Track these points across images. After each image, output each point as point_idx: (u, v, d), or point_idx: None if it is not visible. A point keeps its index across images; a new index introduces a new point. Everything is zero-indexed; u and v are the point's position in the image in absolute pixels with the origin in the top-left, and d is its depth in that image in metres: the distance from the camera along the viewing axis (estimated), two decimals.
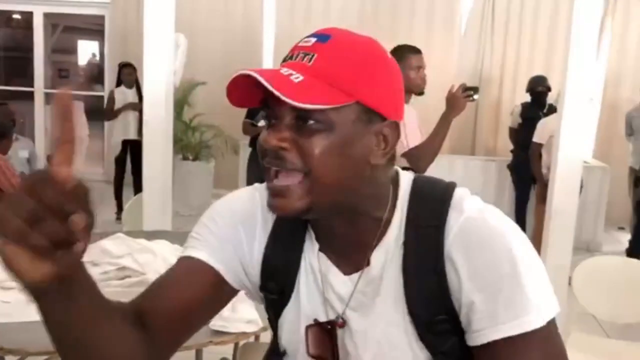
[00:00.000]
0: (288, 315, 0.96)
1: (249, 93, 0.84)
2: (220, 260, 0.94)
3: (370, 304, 0.90)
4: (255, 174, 5.66)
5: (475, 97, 3.03)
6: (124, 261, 2.15)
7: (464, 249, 0.83)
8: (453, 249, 0.84)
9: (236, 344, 2.52)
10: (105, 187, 6.96)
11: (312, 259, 0.94)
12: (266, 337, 2.64)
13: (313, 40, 0.84)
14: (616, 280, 2.93)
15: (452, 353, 0.87)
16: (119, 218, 6.10)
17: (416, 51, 3.17)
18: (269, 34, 7.44)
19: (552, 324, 0.82)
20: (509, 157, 6.13)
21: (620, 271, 2.98)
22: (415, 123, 3.03)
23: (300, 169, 0.82)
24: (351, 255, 0.91)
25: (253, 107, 0.87)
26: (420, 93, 3.19)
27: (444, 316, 0.85)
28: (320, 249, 0.93)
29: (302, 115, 0.81)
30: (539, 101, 5.66)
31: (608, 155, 6.77)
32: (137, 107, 6.17)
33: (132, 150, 6.30)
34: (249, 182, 5.71)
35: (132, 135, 6.29)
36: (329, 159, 0.81)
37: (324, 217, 0.89)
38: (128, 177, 6.35)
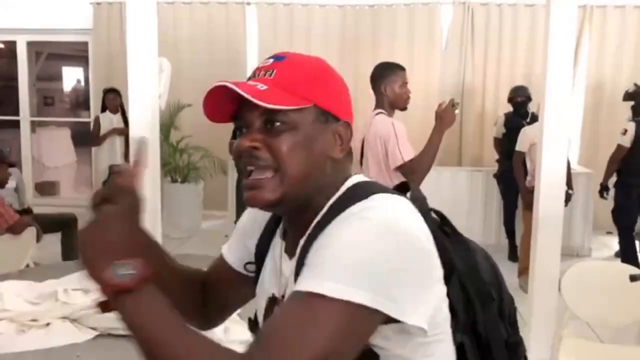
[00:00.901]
0: (257, 293, 1.12)
1: (223, 108, 0.98)
2: (233, 253, 1.18)
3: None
4: None
5: (456, 111, 3.19)
6: None
7: (337, 223, 0.91)
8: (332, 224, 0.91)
9: None
10: None
11: (276, 246, 1.09)
12: None
13: (271, 60, 1.00)
14: (605, 285, 2.96)
15: None
16: None
17: (401, 68, 3.31)
18: (252, 51, 7.49)
19: (345, 309, 0.81)
20: (495, 167, 6.18)
21: (609, 275, 3.01)
22: (406, 136, 3.12)
23: (272, 165, 0.95)
24: (296, 244, 1.00)
25: (227, 122, 1.00)
26: (404, 108, 3.32)
27: None
28: (284, 238, 1.07)
29: (269, 119, 0.94)
30: (520, 110, 5.73)
31: (593, 161, 6.84)
32: (123, 132, 6.19)
33: None
34: (240, 201, 5.73)
35: (119, 160, 6.29)
36: (296, 154, 0.94)
37: (288, 211, 1.01)
38: None
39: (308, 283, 0.83)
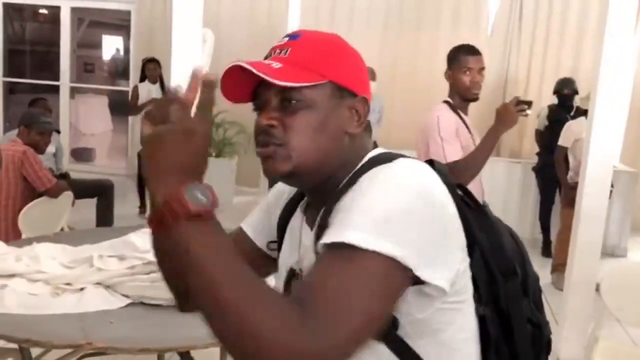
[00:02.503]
0: (279, 266, 1.14)
1: (242, 89, 0.99)
2: (259, 231, 1.18)
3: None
4: None
5: (529, 112, 2.75)
6: (150, 256, 2.14)
7: (359, 182, 0.91)
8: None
9: None
10: (129, 181, 7.01)
11: (296, 219, 1.10)
12: None
13: (286, 39, 1.00)
14: None
15: None
16: (142, 212, 6.13)
17: (468, 52, 2.87)
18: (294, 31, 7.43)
19: (382, 262, 0.81)
20: (534, 160, 6.05)
21: None
22: (453, 133, 2.72)
23: (285, 142, 0.95)
24: (317, 214, 1.01)
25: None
26: (472, 99, 2.87)
27: None
28: (304, 212, 1.09)
29: (286, 97, 0.95)
30: (565, 104, 5.60)
31: (636, 159, 6.65)
32: None
33: None
34: (271, 179, 5.71)
35: None
36: (311, 131, 0.96)
37: (308, 184, 1.02)
38: None
39: (336, 233, 0.83)
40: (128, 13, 8.02)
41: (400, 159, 0.94)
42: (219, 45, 7.77)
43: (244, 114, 6.84)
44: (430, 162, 1.03)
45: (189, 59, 3.35)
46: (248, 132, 6.82)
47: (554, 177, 5.26)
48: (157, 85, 6.33)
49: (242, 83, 0.97)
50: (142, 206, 6.21)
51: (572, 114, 5.46)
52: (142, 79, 6.42)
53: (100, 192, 5.05)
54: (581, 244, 3.48)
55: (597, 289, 2.94)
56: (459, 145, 2.70)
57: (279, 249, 1.14)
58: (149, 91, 6.30)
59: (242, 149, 6.94)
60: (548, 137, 5.59)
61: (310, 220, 1.06)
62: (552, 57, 6.94)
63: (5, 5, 8.29)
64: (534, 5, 6.96)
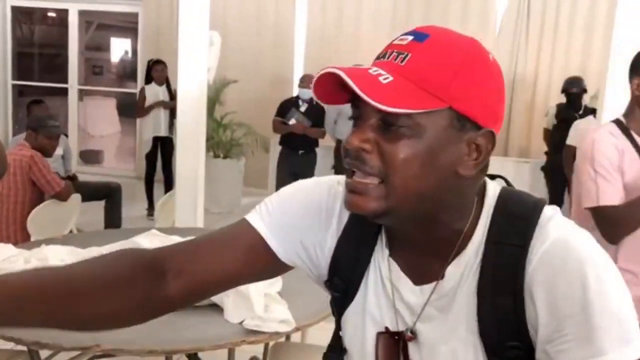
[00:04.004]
0: (351, 315, 0.93)
1: (336, 90, 0.80)
2: (277, 237, 0.93)
3: (441, 319, 0.85)
4: (286, 172, 5.65)
5: None
6: None
7: (545, 277, 0.77)
8: (535, 275, 0.78)
9: (267, 344, 2.51)
10: (137, 183, 7.03)
11: (382, 263, 0.90)
12: (297, 337, 2.63)
13: (409, 38, 0.80)
14: None
15: None
16: (150, 214, 6.14)
17: None
18: (300, 34, 7.43)
19: None
20: (542, 159, 6.02)
21: None
22: (614, 164, 1.90)
23: (380, 173, 0.78)
24: (424, 266, 0.86)
25: (331, 102, 0.83)
26: None
27: (515, 342, 0.80)
28: (391, 255, 0.89)
29: (388, 118, 0.77)
30: (574, 102, 5.57)
31: None
32: (168, 105, 6.21)
33: (163, 147, 6.35)
34: (279, 181, 5.72)
35: (163, 132, 6.34)
36: (413, 167, 0.77)
37: (400, 224, 0.85)
38: (159, 174, 6.40)
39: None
40: (135, 15, 8.04)
41: (557, 223, 0.80)
42: (225, 52, 7.85)
43: (252, 115, 6.89)
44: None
45: (196, 61, 3.36)
46: (256, 133, 6.83)
47: (563, 176, 5.22)
48: (164, 87, 6.34)
49: (341, 86, 0.78)
50: (150, 208, 6.22)
51: (580, 112, 5.43)
52: (148, 81, 6.44)
53: (108, 194, 5.07)
54: None
55: None
56: (620, 182, 1.90)
57: (347, 290, 0.92)
58: (156, 93, 6.32)
59: (250, 149, 6.95)
60: (556, 136, 5.56)
61: (407, 268, 0.88)
62: (560, 56, 6.92)
63: (13, 8, 8.33)
64: (541, 4, 6.93)
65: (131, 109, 8.20)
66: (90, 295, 0.87)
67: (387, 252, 0.90)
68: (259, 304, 1.94)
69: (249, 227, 0.94)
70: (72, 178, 5.05)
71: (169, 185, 6.22)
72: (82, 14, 8.33)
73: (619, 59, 3.30)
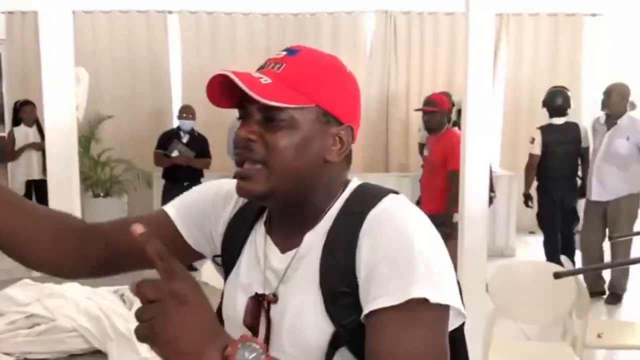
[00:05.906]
0: (228, 285, 1.08)
1: (227, 95, 0.97)
2: (187, 221, 1.11)
3: (295, 278, 0.99)
4: None
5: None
6: (32, 308, 2.03)
7: (372, 229, 0.93)
8: (365, 231, 0.93)
9: None
10: None
11: (259, 238, 1.05)
12: None
13: (284, 53, 0.99)
14: (531, 283, 3.04)
15: (352, 328, 0.92)
16: None
17: None
18: (176, 68, 7.36)
19: (441, 311, 0.89)
20: (420, 172, 6.26)
21: (534, 274, 3.10)
22: None
23: (263, 159, 0.95)
24: (291, 238, 1.01)
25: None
26: None
27: (346, 289, 0.92)
28: (268, 232, 1.05)
29: (269, 114, 0.94)
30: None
31: (513, 164, 7.07)
32: (40, 146, 5.94)
33: (37, 190, 6.07)
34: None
35: (36, 175, 6.06)
36: (290, 153, 0.95)
37: (279, 204, 1.01)
38: None
39: (410, 290, 0.86)
40: None
41: (391, 197, 0.97)
42: (98, 88, 7.58)
43: (131, 150, 6.69)
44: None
45: (62, 99, 3.24)
46: (136, 168, 6.64)
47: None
48: (34, 127, 6.08)
49: (230, 90, 0.95)
50: None
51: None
52: (17, 123, 6.15)
53: None
54: (468, 246, 3.64)
55: (487, 289, 3.09)
56: None
57: (228, 264, 1.08)
58: (26, 135, 6.06)
59: (132, 186, 6.74)
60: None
61: (279, 240, 1.03)
62: (428, 73, 7.30)
63: None
64: (407, 26, 7.32)
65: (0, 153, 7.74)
66: (39, 222, 1.08)
67: (263, 229, 1.05)
68: (143, 345, 1.87)
69: (161, 211, 1.14)
70: None
71: None
72: None
73: (475, 73, 3.54)
